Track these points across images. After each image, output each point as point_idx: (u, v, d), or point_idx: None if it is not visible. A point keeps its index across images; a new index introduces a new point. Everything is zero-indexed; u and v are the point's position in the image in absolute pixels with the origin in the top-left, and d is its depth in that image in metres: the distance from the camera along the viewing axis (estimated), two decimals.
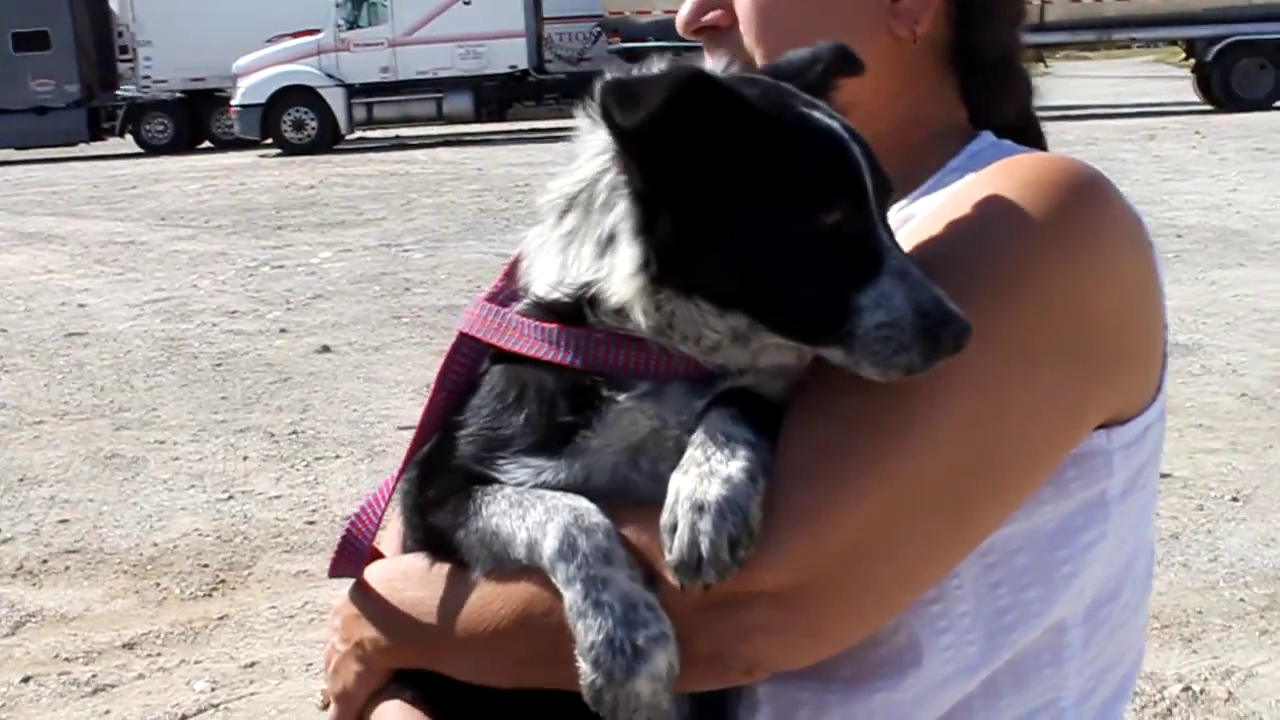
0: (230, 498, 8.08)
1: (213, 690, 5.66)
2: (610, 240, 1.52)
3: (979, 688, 1.61)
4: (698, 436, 1.47)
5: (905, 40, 1.76)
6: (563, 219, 1.58)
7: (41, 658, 5.99)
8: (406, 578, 1.66)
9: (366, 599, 1.70)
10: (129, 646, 6.09)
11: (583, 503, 1.49)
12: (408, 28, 34.86)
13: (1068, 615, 1.65)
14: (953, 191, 1.64)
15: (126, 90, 40.36)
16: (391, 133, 36.74)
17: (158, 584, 6.80)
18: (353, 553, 1.72)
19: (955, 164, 1.74)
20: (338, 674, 1.74)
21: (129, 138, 40.02)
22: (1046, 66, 38.63)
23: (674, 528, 1.41)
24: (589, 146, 1.56)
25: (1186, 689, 5.30)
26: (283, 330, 12.78)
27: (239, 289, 15.07)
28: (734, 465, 1.42)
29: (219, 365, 11.52)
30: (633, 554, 1.46)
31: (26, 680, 5.74)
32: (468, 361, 1.65)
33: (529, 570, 1.50)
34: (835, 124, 1.50)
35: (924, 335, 1.42)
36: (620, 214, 1.50)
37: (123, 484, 8.44)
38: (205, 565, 7.00)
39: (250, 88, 34.80)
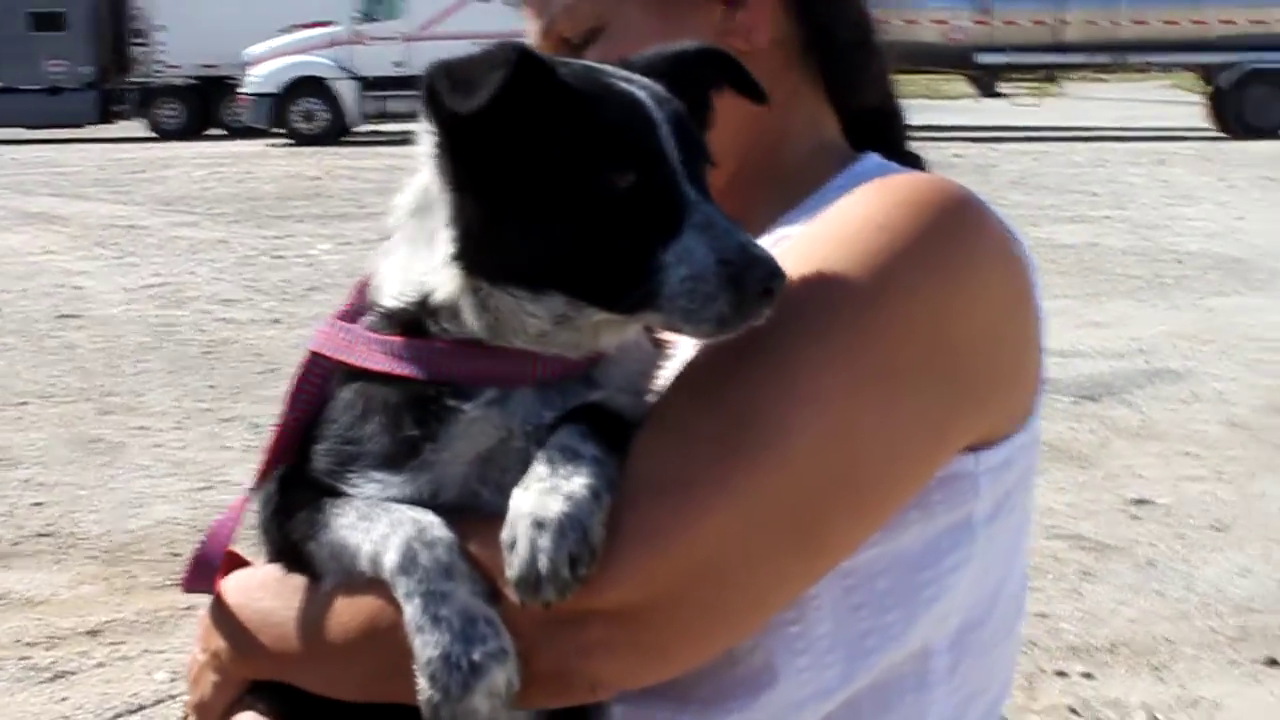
0: (209, 487, 8.03)
1: (172, 681, 5.62)
2: (432, 237, 1.51)
3: (840, 710, 1.59)
4: (542, 452, 1.44)
5: (747, 53, 1.71)
6: (404, 231, 1.57)
7: (3, 641, 5.96)
8: (262, 587, 1.65)
9: (222, 610, 1.69)
10: (92, 633, 6.06)
11: (427, 516, 1.46)
12: (423, 23, 34.84)
13: (933, 640, 1.62)
14: (825, 213, 1.62)
15: (139, 74, 40.39)
16: (403, 127, 36.68)
17: (127, 571, 6.77)
18: (205, 568, 1.71)
19: (839, 182, 1.72)
20: (196, 684, 1.73)
21: (139, 121, 40.03)
22: (1059, 86, 38.62)
23: (514, 544, 1.38)
24: (421, 152, 1.54)
25: (1152, 718, 5.26)
26: (275, 320, 12.75)
27: (235, 277, 15.05)
28: (577, 481, 1.40)
29: (208, 353, 11.50)
30: (476, 569, 1.43)
31: None
32: (318, 380, 1.63)
33: (377, 583, 1.47)
34: (637, 90, 1.48)
35: (729, 283, 1.40)
36: (441, 213, 1.50)
37: (101, 469, 8.41)
38: (177, 555, 6.94)
39: (263, 77, 34.78)
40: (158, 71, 39.49)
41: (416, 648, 1.39)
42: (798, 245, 1.56)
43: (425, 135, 1.52)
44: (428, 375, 1.51)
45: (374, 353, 1.55)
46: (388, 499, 1.51)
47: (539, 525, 1.37)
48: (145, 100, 39.81)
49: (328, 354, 1.62)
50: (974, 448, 1.57)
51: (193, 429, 9.26)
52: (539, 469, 1.42)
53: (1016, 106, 37.61)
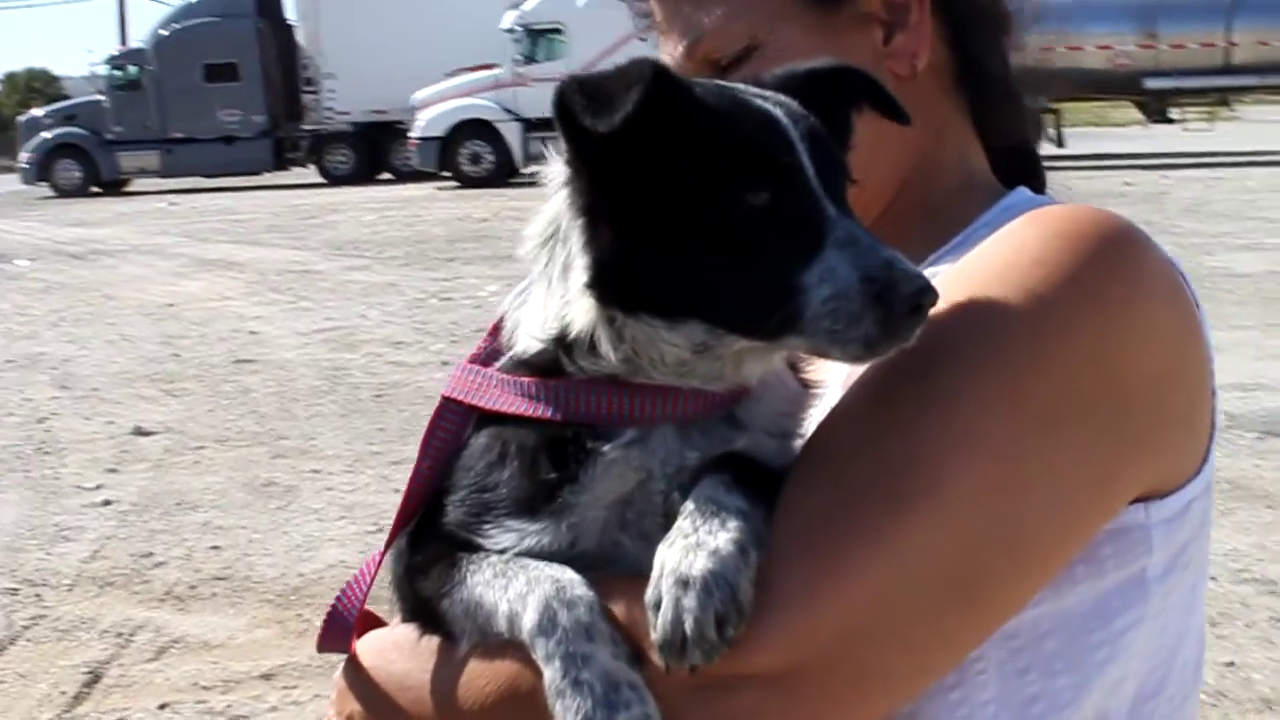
0: (379, 530, 8.09)
1: None
2: (566, 268, 1.46)
3: None
4: (687, 505, 1.38)
5: (908, 78, 1.66)
6: (537, 265, 1.52)
7: (180, 685, 6.05)
8: (397, 649, 1.60)
9: (356, 673, 1.65)
10: (266, 677, 6.12)
11: (567, 574, 1.40)
12: (584, 63, 35.04)
13: (1109, 708, 1.52)
14: (978, 250, 1.54)
15: (310, 121, 41.40)
16: None
17: (299, 615, 6.84)
18: (340, 628, 1.67)
19: (988, 218, 1.65)
20: None
21: (311, 168, 40.97)
22: (1232, 109, 37.65)
23: (658, 604, 1.31)
24: (553, 180, 1.50)
25: None
26: (445, 363, 12.87)
27: (405, 320, 15.24)
28: (723, 536, 1.33)
29: (379, 396, 11.64)
30: (619, 629, 1.37)
31: (163, 708, 5.79)
32: (453, 427, 1.58)
33: (515, 645, 1.41)
34: (771, 106, 1.42)
35: (874, 302, 1.33)
36: (575, 239, 1.45)
37: (275, 512, 8.54)
38: None
39: (429, 121, 35.38)
40: (328, 118, 40.48)
41: (557, 712, 1.33)
42: (948, 282, 1.47)
43: (555, 158, 1.48)
44: (564, 415, 1.46)
45: (508, 395, 1.50)
46: (525, 549, 1.46)
47: (684, 584, 1.30)
48: (316, 147, 40.82)
49: (461, 399, 1.57)
50: (1145, 498, 1.48)
51: (363, 472, 9.36)
52: (682, 524, 1.36)
53: (1188, 131, 36.77)
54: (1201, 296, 1.59)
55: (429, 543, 1.56)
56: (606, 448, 1.45)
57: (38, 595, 7.19)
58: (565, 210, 1.47)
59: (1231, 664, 5.74)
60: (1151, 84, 32.71)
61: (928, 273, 1.53)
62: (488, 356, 1.59)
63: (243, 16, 41.47)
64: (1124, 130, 40.13)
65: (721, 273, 1.38)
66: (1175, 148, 33.39)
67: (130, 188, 41.53)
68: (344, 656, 1.69)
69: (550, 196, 1.51)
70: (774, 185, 1.39)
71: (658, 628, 1.31)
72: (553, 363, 1.49)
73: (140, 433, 10.59)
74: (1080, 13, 30.95)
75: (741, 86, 1.47)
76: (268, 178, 40.77)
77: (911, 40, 1.70)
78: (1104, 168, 29.34)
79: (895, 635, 1.36)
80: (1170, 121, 38.74)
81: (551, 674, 1.35)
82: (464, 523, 1.51)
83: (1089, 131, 42.94)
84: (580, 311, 1.44)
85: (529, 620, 1.38)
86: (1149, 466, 1.48)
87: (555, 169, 1.49)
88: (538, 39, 35.81)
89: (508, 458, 1.49)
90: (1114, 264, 1.45)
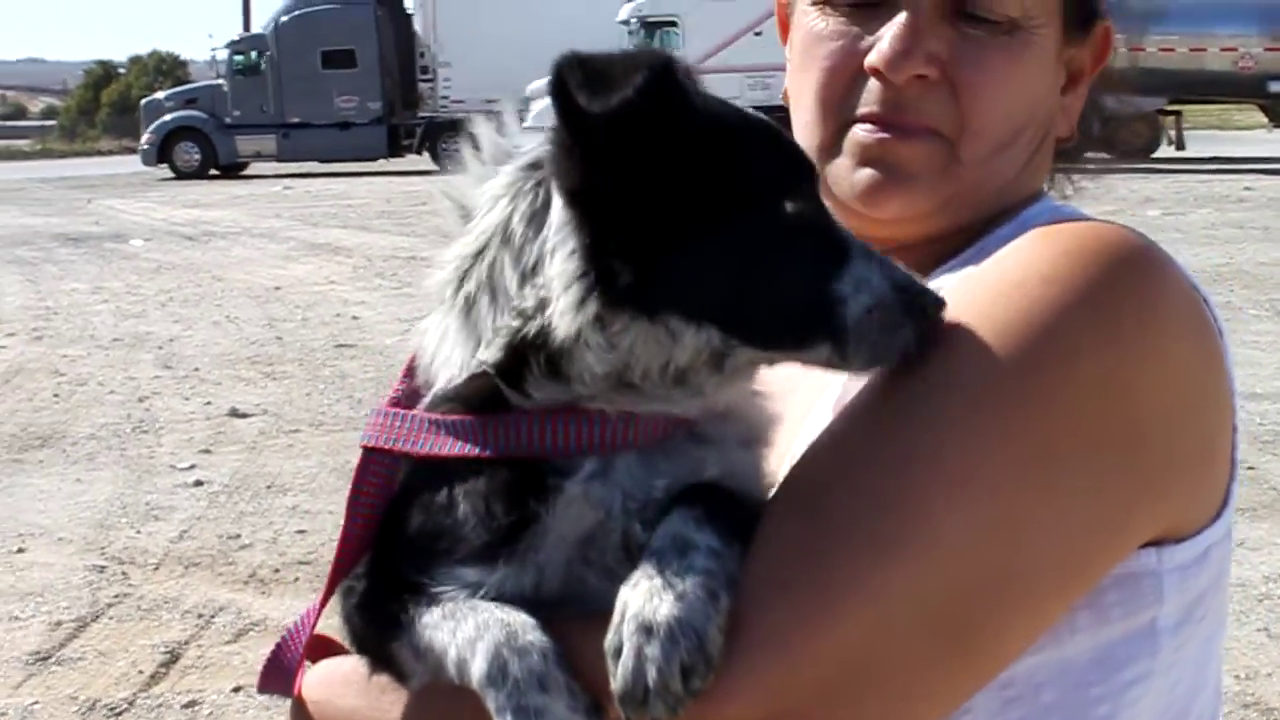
0: None
1: None
2: (534, 269, 1.35)
3: None
4: (653, 542, 1.28)
5: (1064, 139, 1.66)
6: (461, 288, 1.42)
7: (256, 668, 6.03)
8: (346, 684, 1.54)
9: (301, 713, 1.59)
10: None
11: (519, 617, 1.31)
12: (699, 56, 35.11)
13: None
14: (982, 265, 1.44)
15: (425, 109, 41.74)
16: None
17: None
18: (280, 670, 1.61)
19: (1006, 231, 1.54)
20: None
21: (425, 155, 41.27)
22: None
23: (618, 651, 1.22)
24: (485, 195, 1.41)
25: None
26: None
27: None
28: (690, 580, 1.23)
29: None
30: (576, 679, 1.28)
31: (237, 690, 5.82)
32: (379, 479, 1.47)
33: (466, 690, 1.33)
34: (767, 120, 1.39)
35: (909, 309, 1.30)
36: (551, 234, 1.34)
37: None
38: None
39: (542, 111, 35.46)
40: (443, 107, 40.78)
41: None
42: (951, 299, 1.37)
43: (481, 180, 1.41)
44: (514, 452, 1.36)
45: (442, 437, 1.39)
46: (484, 596, 1.36)
47: (646, 630, 1.21)
48: (430, 134, 41.10)
49: (386, 446, 1.46)
50: (1158, 542, 1.38)
51: None
52: (647, 564, 1.27)
53: None
54: None
55: (379, 579, 1.47)
56: (567, 483, 1.35)
57: (124, 573, 7.27)
58: (518, 214, 1.38)
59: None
60: (1277, 87, 31.95)
61: (934, 284, 1.44)
62: (408, 398, 1.48)
63: (362, 4, 41.89)
64: (1248, 134, 39.19)
65: (753, 280, 1.30)
66: None
67: (247, 171, 42.10)
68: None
69: (479, 210, 1.43)
70: (804, 193, 1.35)
71: (618, 677, 1.23)
72: (490, 394, 1.38)
73: (236, 414, 10.69)
74: (1205, 14, 30.34)
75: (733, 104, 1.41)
76: (382, 164, 41.11)
77: (1076, 103, 1.66)
78: (1225, 171, 28.72)
79: (876, 689, 1.26)
80: None
81: None
82: (416, 567, 1.41)
83: (1212, 135, 42.11)
84: (567, 316, 1.32)
85: (478, 669, 1.29)
86: (1162, 508, 1.37)
87: (494, 183, 1.41)
88: (653, 32, 35.88)
89: (454, 505, 1.39)
90: (1129, 286, 1.35)
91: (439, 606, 1.37)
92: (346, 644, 1.58)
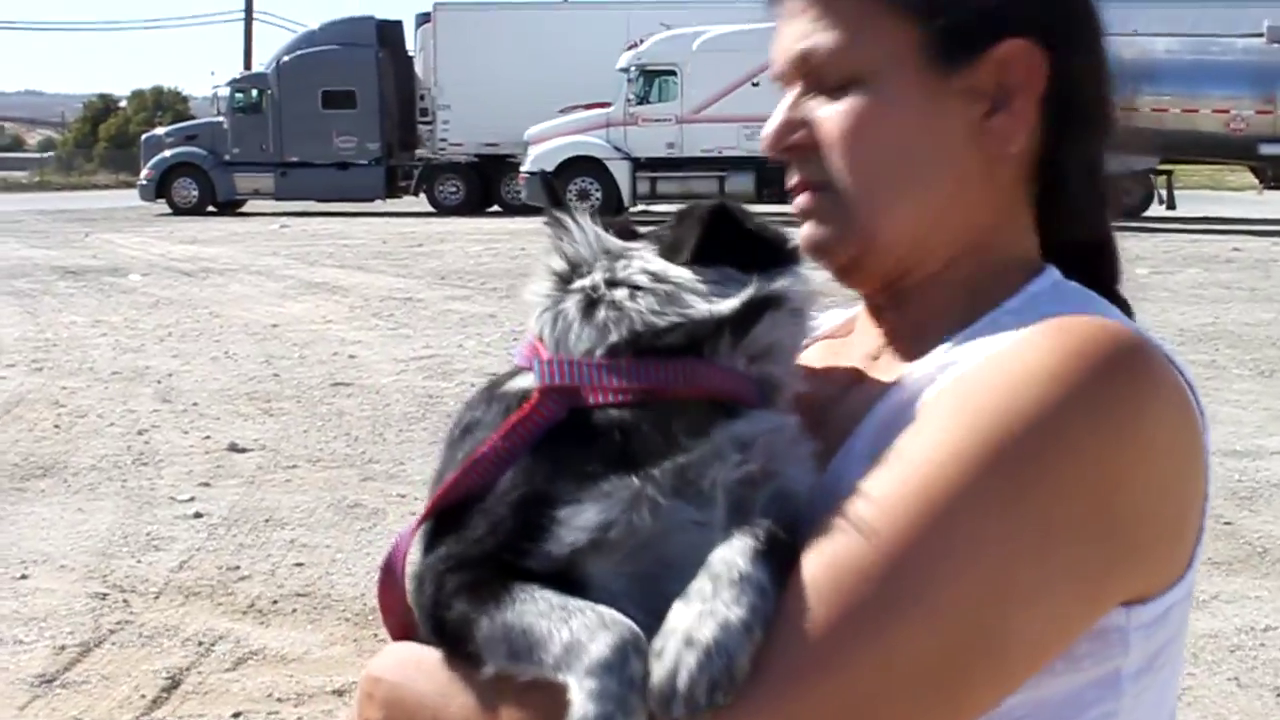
0: None
1: None
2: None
3: None
4: (715, 560, 1.43)
5: (995, 160, 1.69)
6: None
7: (255, 695, 6.22)
8: (419, 668, 1.59)
9: (378, 683, 1.65)
10: (338, 693, 6.27)
11: (637, 628, 1.41)
12: (696, 105, 35.42)
13: None
14: (998, 351, 1.58)
15: (423, 151, 42.00)
16: (674, 208, 36.98)
17: (376, 634, 6.97)
18: (393, 583, 1.63)
19: (1013, 305, 1.67)
20: None
21: (423, 197, 41.51)
22: None
23: (661, 653, 1.38)
24: None
25: None
26: None
27: (501, 352, 15.38)
28: (736, 612, 1.39)
29: None
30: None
31: (236, 716, 5.96)
32: (546, 417, 1.54)
33: (537, 686, 1.43)
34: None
35: None
36: None
37: (360, 533, 8.71)
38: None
39: (539, 155, 35.77)
40: (441, 149, 41.06)
41: None
42: (965, 386, 1.54)
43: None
44: (696, 388, 1.52)
45: (623, 380, 1.53)
46: (602, 537, 1.46)
47: (689, 643, 1.37)
48: (427, 176, 41.35)
49: (573, 385, 1.54)
50: (1127, 603, 1.53)
51: None
52: (703, 585, 1.41)
53: None
54: None
55: (468, 556, 1.52)
56: (737, 423, 1.52)
57: (125, 601, 7.43)
58: None
59: None
60: (1267, 150, 32.24)
61: (945, 358, 1.61)
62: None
63: (364, 46, 42.20)
64: (1238, 195, 39.54)
65: None
66: None
67: (246, 209, 42.30)
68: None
69: None
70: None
71: (655, 674, 1.37)
72: (687, 341, 1.55)
73: (235, 449, 10.85)
74: (1197, 75, 30.69)
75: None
76: (379, 205, 41.33)
77: (1009, 124, 1.69)
78: (1214, 231, 28.99)
79: None
80: None
81: (591, 709, 1.36)
82: (519, 544, 1.48)
83: (1203, 195, 42.41)
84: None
85: (596, 651, 1.38)
86: (1135, 576, 1.53)
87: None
88: (652, 80, 36.15)
89: (607, 441, 1.50)
90: (1126, 387, 1.51)
91: (544, 598, 1.44)
92: (412, 601, 1.60)
